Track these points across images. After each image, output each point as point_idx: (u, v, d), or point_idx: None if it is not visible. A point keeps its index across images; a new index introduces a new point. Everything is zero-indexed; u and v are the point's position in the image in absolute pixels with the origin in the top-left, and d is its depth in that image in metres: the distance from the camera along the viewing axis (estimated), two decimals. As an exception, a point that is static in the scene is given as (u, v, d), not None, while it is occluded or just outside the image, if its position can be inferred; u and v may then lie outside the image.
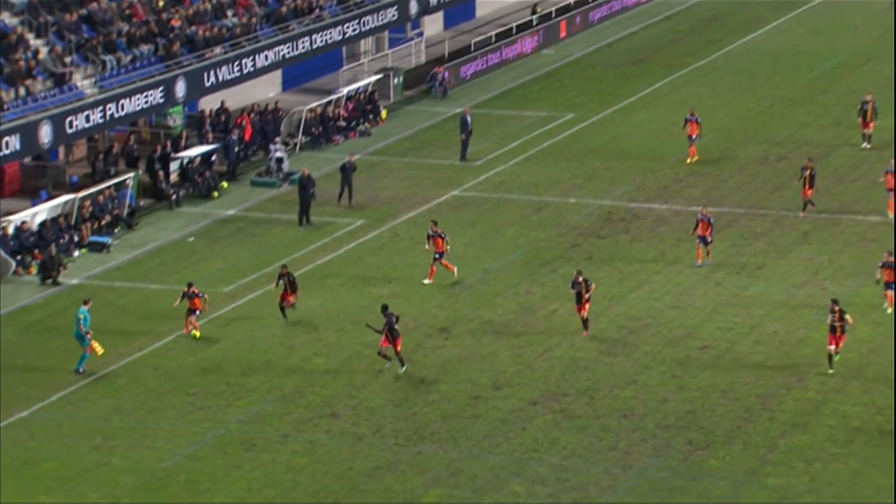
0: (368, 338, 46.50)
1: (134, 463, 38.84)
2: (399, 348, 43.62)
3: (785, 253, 53.07)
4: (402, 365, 43.69)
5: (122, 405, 42.20)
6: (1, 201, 58.09)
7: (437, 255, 50.15)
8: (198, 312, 46.50)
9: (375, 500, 36.82)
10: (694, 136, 62.25)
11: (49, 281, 51.29)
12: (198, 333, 46.35)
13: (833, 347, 43.27)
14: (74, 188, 57.49)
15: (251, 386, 43.31)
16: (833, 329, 43.33)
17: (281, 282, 47.45)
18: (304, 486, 37.57)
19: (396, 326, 43.66)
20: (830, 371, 43.13)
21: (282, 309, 47.40)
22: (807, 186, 55.73)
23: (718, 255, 52.65)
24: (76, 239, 54.37)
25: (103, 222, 55.71)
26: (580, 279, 45.86)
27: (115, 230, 55.96)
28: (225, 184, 60.80)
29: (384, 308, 44.22)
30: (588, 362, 44.68)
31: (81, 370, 43.56)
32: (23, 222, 53.43)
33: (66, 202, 55.44)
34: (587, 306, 45.97)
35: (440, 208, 58.14)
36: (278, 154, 61.85)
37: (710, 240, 51.54)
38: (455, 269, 50.35)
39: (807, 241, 54.19)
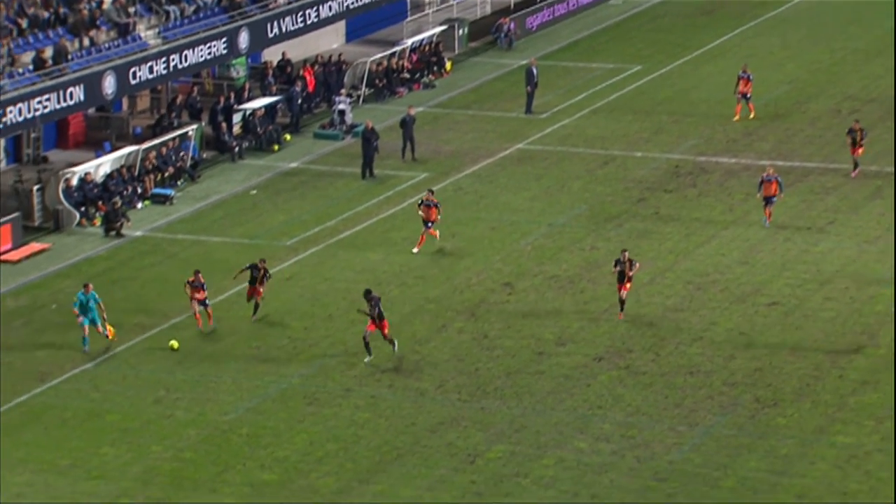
0: (432, 292, 46.65)
1: (197, 416, 39.16)
2: (386, 331, 41.94)
3: (857, 208, 52.73)
4: (394, 346, 42.25)
5: (185, 359, 42.52)
6: (65, 153, 58.57)
7: (428, 224, 49.03)
8: (208, 303, 44.15)
9: (438, 455, 36.97)
10: (745, 94, 61.06)
11: (112, 233, 51.68)
12: (208, 324, 44.36)
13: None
14: (138, 140, 57.80)
15: (313, 340, 43.53)
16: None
17: (250, 272, 44.78)
18: (366, 441, 37.78)
19: (380, 309, 41.77)
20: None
21: (250, 300, 45.04)
22: (857, 145, 54.50)
23: (788, 210, 52.38)
24: (139, 191, 54.72)
25: (166, 174, 56.07)
26: (625, 258, 44.35)
27: (178, 182, 56.28)
28: (288, 136, 61.02)
29: (367, 292, 42.23)
30: (654, 318, 44.62)
31: (86, 350, 42.83)
32: (86, 174, 53.78)
33: (129, 154, 55.79)
34: (629, 286, 44.45)
35: (504, 161, 58.11)
36: (341, 106, 61.96)
37: (775, 200, 50.86)
38: (438, 235, 49.41)
39: (879, 195, 53.82)
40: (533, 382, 40.76)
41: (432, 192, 49.79)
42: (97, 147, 58.14)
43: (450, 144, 60.23)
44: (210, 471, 36.35)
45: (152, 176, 55.53)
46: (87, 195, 53.15)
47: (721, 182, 55.65)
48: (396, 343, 42.10)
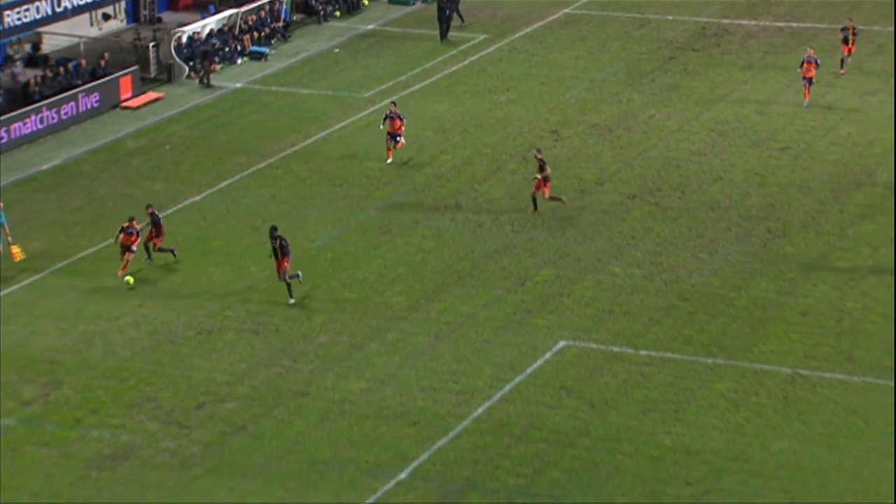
0: (489, 139, 46.48)
1: (289, 242, 39.30)
2: (285, 267, 35.90)
3: (860, 64, 51.97)
4: (290, 289, 36.04)
5: (279, 193, 42.69)
6: (176, 14, 58.42)
7: (392, 135, 43.79)
8: (133, 249, 37.57)
9: (493, 277, 37.10)
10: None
11: (204, 83, 51.63)
12: (131, 280, 37.04)
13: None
14: (238, 3, 57.47)
15: (387, 179, 43.54)
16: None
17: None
18: (431, 265, 37.92)
19: (285, 244, 35.96)
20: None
21: (146, 249, 38.32)
22: (850, 44, 50.72)
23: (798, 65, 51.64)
24: (238, 48, 54.56)
25: (262, 34, 55.81)
26: (537, 155, 40.44)
27: (272, 41, 56.04)
28: (366, 1, 60.47)
29: (272, 230, 36.24)
30: (680, 161, 44.34)
31: None
32: (194, 33, 53.64)
33: (230, 15, 55.54)
34: (549, 185, 40.20)
35: (553, 25, 57.50)
36: (413, -25, 61.37)
37: (813, 81, 48.03)
38: (403, 144, 44.10)
39: (881, 52, 53.08)
40: (575, 216, 40.71)
41: (395, 104, 44.33)
42: (203, 9, 57.92)
43: (505, 9, 59.65)
44: (300, 289, 36.63)
45: (250, 35, 55.33)
46: (195, 51, 53.03)
47: (742, 42, 54.99)
48: (293, 285, 36.08)
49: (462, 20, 57.01)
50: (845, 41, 50.66)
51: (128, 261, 37.40)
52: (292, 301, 35.91)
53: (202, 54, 52.21)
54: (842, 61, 50.75)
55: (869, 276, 37.00)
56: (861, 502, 28.08)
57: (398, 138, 43.62)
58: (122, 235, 37.42)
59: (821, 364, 32.93)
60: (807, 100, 47.97)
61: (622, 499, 28.28)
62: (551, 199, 40.25)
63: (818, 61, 48.10)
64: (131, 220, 37.60)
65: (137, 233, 37.46)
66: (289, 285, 36.06)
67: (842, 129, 46.28)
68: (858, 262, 37.78)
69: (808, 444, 29.97)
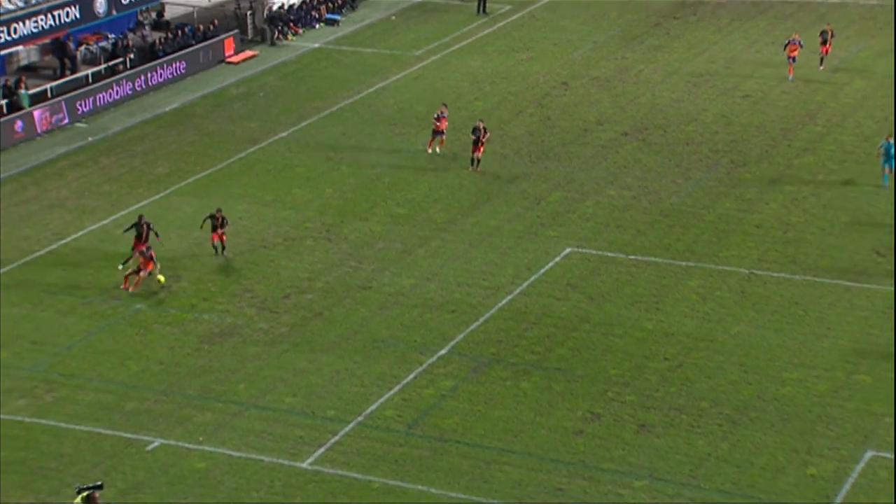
0: (512, 88, 45.95)
1: (355, 169, 39.19)
2: (224, 239, 32.78)
3: (807, 28, 50.96)
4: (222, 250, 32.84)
5: (347, 131, 42.40)
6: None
7: (436, 132, 39.32)
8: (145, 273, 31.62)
9: (515, 198, 36.83)
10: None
11: (272, 44, 50.97)
12: (162, 279, 31.77)
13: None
14: (315, -19, 56.84)
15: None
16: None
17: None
18: (466, 189, 37.64)
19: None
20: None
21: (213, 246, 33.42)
22: (828, 44, 45.64)
23: (759, 30, 50.78)
24: (317, 16, 53.95)
25: (336, 4, 55.08)
26: (481, 126, 37.98)
27: (343, 10, 55.37)
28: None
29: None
30: (663, 106, 43.74)
31: None
32: (282, 4, 53.03)
33: (310, -9, 54.95)
34: (482, 149, 37.97)
35: (565, -3, 56.64)
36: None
37: (796, 60, 44.98)
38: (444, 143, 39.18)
39: (823, 20, 51.95)
40: (580, 150, 40.30)
41: (446, 106, 40.19)
42: (289, -14, 57.32)
43: (527, -15, 58.73)
44: (363, 206, 36.50)
45: (325, 5, 54.66)
46: (282, 18, 52.53)
47: (713, 11, 53.98)
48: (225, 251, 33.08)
49: (485, 6, 54.07)
50: (824, 42, 45.92)
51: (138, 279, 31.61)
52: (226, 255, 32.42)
53: (269, 20, 51.45)
54: (821, 59, 46.03)
55: (810, 197, 36.55)
56: (799, 374, 27.97)
57: (442, 135, 39.41)
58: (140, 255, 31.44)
59: (771, 266, 32.67)
60: (791, 75, 45.15)
61: (614, 371, 28.23)
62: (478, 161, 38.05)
63: (801, 42, 45.62)
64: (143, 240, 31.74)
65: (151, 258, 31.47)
66: (223, 248, 32.58)
67: (790, 83, 45.51)
68: (801, 186, 37.31)
69: (760, 328, 29.81)
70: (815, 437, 25.75)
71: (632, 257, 33.24)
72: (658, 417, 26.46)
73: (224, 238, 33.21)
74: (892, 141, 35.96)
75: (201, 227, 33.48)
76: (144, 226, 32.10)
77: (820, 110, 42.97)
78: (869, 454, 25.11)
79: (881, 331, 29.51)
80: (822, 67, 45.81)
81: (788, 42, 45.58)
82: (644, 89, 45.41)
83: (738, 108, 43.49)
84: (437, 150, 39.43)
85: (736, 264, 32.74)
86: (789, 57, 45.29)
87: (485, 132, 38.16)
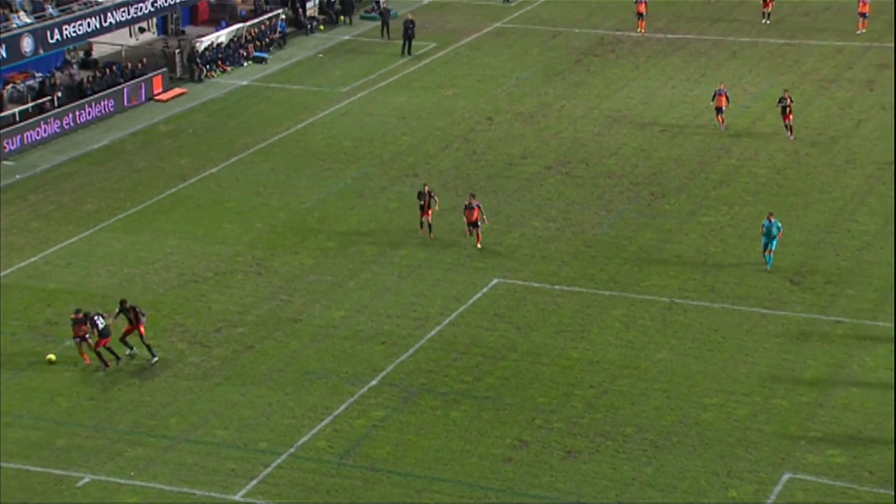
0: (438, 123, 46.16)
1: (284, 204, 39.09)
2: (142, 332, 29.83)
3: (720, 66, 52.00)
4: (138, 349, 30.08)
5: (277, 166, 42.30)
6: (195, 28, 57.54)
7: (471, 224, 35.54)
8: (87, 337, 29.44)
9: (442, 231, 36.72)
10: (641, 13, 55.51)
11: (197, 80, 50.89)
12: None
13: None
14: (244, 19, 56.72)
15: (360, 155, 43.23)
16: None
17: (122, 315, 29.83)
18: (395, 222, 37.71)
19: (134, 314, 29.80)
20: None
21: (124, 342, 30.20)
22: (789, 113, 42.79)
23: (673, 66, 51.66)
24: (245, 54, 53.85)
25: (263, 43, 55.08)
26: (425, 190, 35.90)
27: (271, 49, 55.35)
28: (343, 18, 59.75)
29: (121, 303, 29.95)
30: (585, 140, 44.25)
31: None
32: (210, 42, 52.90)
33: (238, 29, 54.75)
34: (431, 213, 35.86)
35: (487, 35, 57.04)
36: (379, -3, 60.74)
37: (724, 109, 43.76)
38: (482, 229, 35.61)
39: (735, 57, 53.03)
40: (505, 183, 40.59)
41: (474, 196, 35.79)
42: (217, 24, 57.10)
43: (450, 23, 59.11)
44: (293, 240, 36.39)
45: (253, 44, 54.61)
46: (211, 57, 52.35)
47: (631, 49, 54.77)
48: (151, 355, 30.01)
49: (410, 49, 53.50)
50: (783, 111, 42.99)
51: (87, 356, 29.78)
52: (155, 359, 29.65)
53: (197, 58, 51.02)
54: (789, 128, 43.09)
55: (727, 227, 37.15)
56: (719, 399, 28.34)
57: (478, 225, 35.28)
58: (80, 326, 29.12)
59: (690, 294, 33.10)
60: (723, 126, 43.91)
61: (542, 398, 28.37)
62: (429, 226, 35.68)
63: (728, 93, 44.40)
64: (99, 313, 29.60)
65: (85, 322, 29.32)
66: (148, 346, 29.75)
67: (706, 116, 46.21)
68: (719, 216, 37.88)
69: (681, 355, 30.16)
70: (735, 460, 26.08)
71: (557, 287, 33.49)
72: (584, 444, 26.63)
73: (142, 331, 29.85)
74: (773, 220, 33.70)
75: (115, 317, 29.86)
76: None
77: (734, 144, 43.74)
78: (786, 476, 25.50)
79: (796, 356, 30.03)
80: (792, 138, 42.69)
81: (715, 93, 44.31)
82: (566, 124, 45.93)
83: (656, 141, 44.13)
84: (477, 245, 35.30)
85: (657, 293, 33.12)
86: (716, 108, 44.06)
87: (430, 195, 35.70)
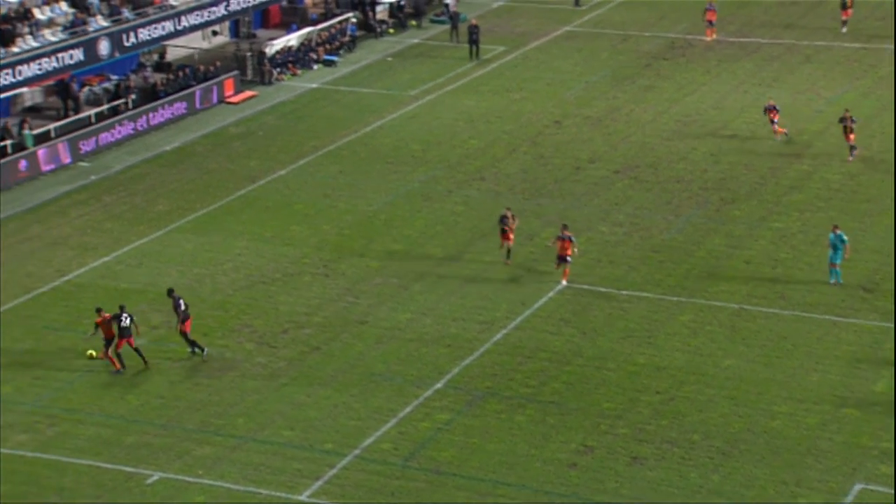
0: (506, 126, 46.12)
1: (352, 206, 39.29)
2: (188, 329, 30.13)
3: (793, 70, 51.37)
4: (193, 348, 30.09)
5: (345, 169, 42.56)
6: (267, 31, 58.14)
7: (561, 257, 33.56)
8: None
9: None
10: (711, 21, 54.29)
11: (268, 84, 51.25)
12: (93, 353, 29.70)
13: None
14: (314, 23, 57.15)
15: (427, 158, 43.33)
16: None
17: (98, 331, 29.26)
18: (461, 225, 37.77)
19: (184, 308, 30.14)
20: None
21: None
22: (851, 132, 41.51)
23: (746, 70, 51.13)
24: (315, 57, 54.25)
25: (333, 46, 55.45)
26: (508, 214, 34.67)
27: (340, 52, 55.71)
28: (413, 22, 59.97)
29: (170, 291, 30.62)
30: (654, 145, 43.95)
31: None
32: (281, 46, 53.38)
33: (308, 32, 55.19)
34: (511, 237, 34.57)
35: (557, 39, 56.90)
36: (447, 1, 60.69)
37: (777, 121, 42.83)
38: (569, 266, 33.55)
39: (809, 61, 52.35)
40: (572, 187, 40.45)
41: (566, 227, 33.89)
42: (288, 27, 57.62)
43: (520, 27, 59.05)
44: (360, 242, 36.57)
45: (323, 47, 55.01)
46: (282, 60, 52.82)
47: (702, 53, 54.32)
48: (202, 349, 30.14)
49: (478, 54, 53.26)
50: (845, 130, 41.75)
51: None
52: (206, 351, 29.79)
53: (268, 61, 51.42)
54: (850, 149, 41.90)
55: (798, 234, 36.67)
56: (788, 407, 27.96)
57: (567, 259, 33.42)
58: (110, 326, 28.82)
59: (760, 301, 32.72)
60: (778, 135, 43.31)
61: (607, 404, 28.21)
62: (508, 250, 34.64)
63: (777, 107, 43.61)
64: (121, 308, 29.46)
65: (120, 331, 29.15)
66: (193, 341, 29.95)
67: (779, 121, 45.73)
68: (790, 223, 37.43)
69: (750, 362, 29.82)
70: (805, 469, 25.71)
71: (624, 292, 33.27)
72: (650, 450, 26.41)
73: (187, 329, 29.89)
74: (838, 232, 33.14)
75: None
76: (112, 320, 28.81)
77: (807, 149, 43.17)
78: (858, 487, 25.08)
79: (868, 365, 29.53)
80: (850, 159, 41.48)
81: (766, 109, 43.62)
82: (635, 128, 45.63)
83: (726, 146, 43.68)
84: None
85: (726, 299, 32.77)
86: (772, 121, 43.51)
87: (513, 219, 34.50)
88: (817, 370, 29.40)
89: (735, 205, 38.78)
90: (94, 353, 29.76)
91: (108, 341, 29.29)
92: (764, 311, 32.18)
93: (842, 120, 42.19)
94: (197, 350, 30.15)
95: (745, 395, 28.42)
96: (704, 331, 31.26)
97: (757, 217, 37.89)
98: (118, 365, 29.45)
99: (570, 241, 33.26)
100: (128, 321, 29.34)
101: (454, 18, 56.85)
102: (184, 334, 30.11)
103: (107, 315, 29.35)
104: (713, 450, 26.37)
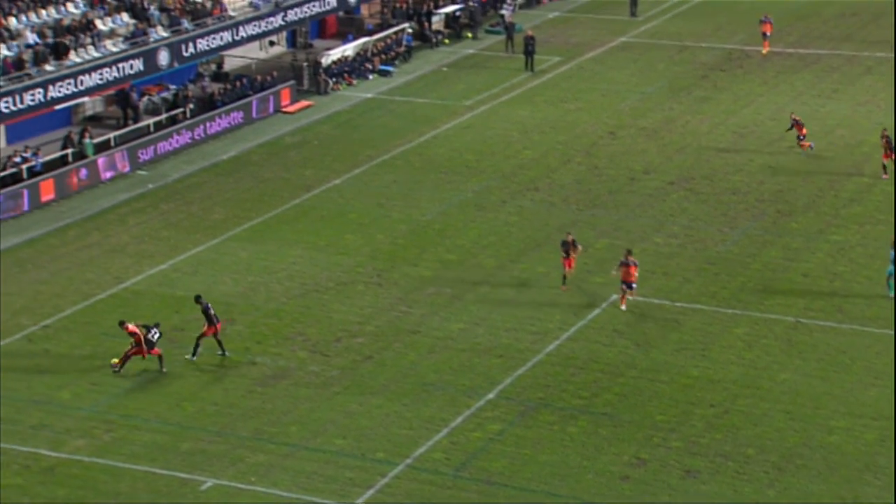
0: (560, 137, 46.03)
1: (406, 216, 39.38)
2: (218, 333, 30.46)
3: (853, 81, 50.79)
4: (223, 351, 30.59)
5: (399, 178, 42.68)
6: (323, 41, 58.54)
7: (626, 283, 32.51)
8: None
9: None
10: (765, 33, 54.37)
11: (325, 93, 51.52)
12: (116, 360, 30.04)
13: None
14: (370, 33, 57.45)
15: (481, 168, 43.34)
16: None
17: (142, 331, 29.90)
18: (515, 235, 37.73)
19: (212, 313, 30.31)
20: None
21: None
22: (891, 151, 40.76)
23: (805, 82, 50.63)
24: (370, 67, 54.50)
25: (389, 56, 55.68)
26: (570, 238, 33.71)
27: (396, 62, 55.92)
28: (469, 34, 60.01)
29: (197, 298, 30.87)
30: (710, 156, 43.63)
31: None
32: (338, 56, 53.71)
33: (364, 42, 55.47)
34: (573, 263, 33.78)
35: (612, 50, 56.74)
36: (503, 11, 60.77)
37: (804, 136, 42.51)
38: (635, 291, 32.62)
39: (870, 72, 51.76)
40: (627, 198, 40.27)
41: (630, 252, 32.90)
42: (344, 37, 57.96)
43: (575, 38, 58.94)
44: (413, 251, 36.65)
45: (379, 57, 55.26)
46: (338, 70, 53.13)
47: (760, 64, 53.91)
48: (226, 351, 30.69)
49: (532, 66, 53.14)
50: (888, 148, 40.98)
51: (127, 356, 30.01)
52: (192, 358, 30.07)
53: (324, 71, 51.67)
54: (884, 167, 41.27)
55: (857, 247, 36.21)
56: (846, 422, 27.57)
57: (632, 286, 32.53)
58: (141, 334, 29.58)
59: (817, 314, 32.34)
60: (805, 149, 42.78)
61: (660, 416, 28.01)
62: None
63: (801, 121, 42.82)
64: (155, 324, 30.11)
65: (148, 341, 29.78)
66: (220, 342, 30.39)
67: (837, 133, 45.28)
68: (848, 235, 36.98)
69: (806, 376, 29.47)
70: (862, 485, 25.34)
71: (678, 304, 33.04)
72: (704, 463, 26.18)
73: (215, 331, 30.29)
74: None
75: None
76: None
77: (866, 162, 42.64)
78: (917, 503, 24.70)
79: (928, 380, 29.08)
80: (885, 177, 40.77)
81: (792, 124, 43.01)
82: (691, 139, 45.35)
83: (784, 158, 43.27)
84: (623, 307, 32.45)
85: (782, 312, 32.44)
86: (799, 136, 42.79)
87: (574, 245, 33.57)
88: (876, 385, 28.98)
89: (792, 217, 38.39)
90: (116, 361, 30.02)
91: (136, 346, 29.70)
92: (821, 324, 31.79)
93: (884, 138, 41.11)
94: (191, 356, 30.20)
95: (802, 409, 28.09)
96: (760, 344, 30.95)
97: (815, 229, 37.48)
98: (120, 366, 29.63)
99: (635, 265, 32.25)
100: (156, 336, 29.84)
101: (509, 29, 56.90)
102: (214, 336, 30.30)
103: (133, 328, 29.69)
104: (768, 464, 26.08)
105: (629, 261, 32.33)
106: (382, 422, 28.02)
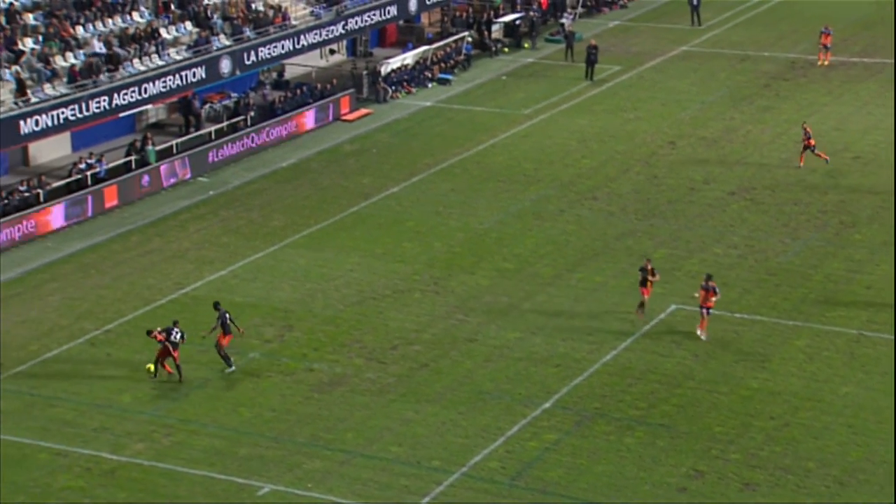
0: (619, 147, 45.82)
1: (463, 224, 39.40)
2: (225, 343, 30.46)
3: (918, 92, 50.10)
4: (228, 363, 30.47)
5: (456, 186, 42.71)
6: (383, 50, 58.75)
7: (704, 308, 31.48)
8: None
9: (620, 255, 36.61)
10: (825, 45, 53.57)
11: (384, 101, 51.70)
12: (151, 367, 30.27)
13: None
14: (430, 42, 57.59)
15: (539, 177, 43.26)
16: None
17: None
18: (573, 245, 37.60)
19: (229, 322, 30.38)
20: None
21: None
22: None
23: (871, 92, 49.94)
24: (430, 75, 54.61)
25: (448, 65, 55.76)
26: (648, 266, 32.44)
27: (455, 70, 55.99)
28: (527, 44, 59.91)
29: (216, 305, 30.93)
30: (771, 166, 43.19)
31: None
32: (397, 64, 53.89)
33: (424, 51, 55.62)
34: (650, 289, 32.48)
35: (673, 59, 56.39)
36: (564, 20, 60.65)
37: (815, 147, 41.80)
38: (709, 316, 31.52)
39: (934, 83, 51.03)
40: (686, 208, 39.97)
41: (710, 277, 31.62)
42: (404, 46, 58.15)
43: (636, 47, 58.67)
44: (470, 260, 36.65)
45: (438, 66, 55.36)
46: (397, 78, 53.31)
47: (824, 73, 53.28)
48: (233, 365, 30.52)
49: (593, 75, 53.05)
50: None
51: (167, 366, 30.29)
52: (231, 369, 30.27)
53: (384, 80, 51.80)
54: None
55: (921, 259, 35.65)
56: (910, 438, 27.13)
57: (710, 311, 31.39)
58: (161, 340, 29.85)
59: (880, 327, 31.85)
60: (822, 159, 41.93)
61: (719, 428, 27.74)
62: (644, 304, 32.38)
63: (810, 132, 41.97)
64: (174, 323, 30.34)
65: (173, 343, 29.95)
66: (226, 356, 30.36)
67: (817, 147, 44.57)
68: (913, 248, 36.46)
69: (869, 390, 29.03)
70: (926, 501, 24.92)
71: (738, 315, 32.72)
72: (763, 477, 25.88)
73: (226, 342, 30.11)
74: None
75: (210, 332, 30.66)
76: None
77: (932, 172, 42.01)
78: (982, 521, 24.21)
79: None
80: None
81: (804, 137, 42.06)
82: (752, 149, 44.92)
83: (847, 168, 42.72)
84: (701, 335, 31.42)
85: (844, 325, 32.00)
86: (807, 146, 42.01)
87: (653, 273, 32.33)
88: (940, 400, 28.49)
89: (855, 228, 37.88)
90: (151, 367, 30.23)
91: (162, 347, 30.03)
92: (885, 337, 31.31)
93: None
94: (228, 368, 30.33)
95: (864, 423, 27.67)
96: (821, 356, 30.54)
97: (878, 241, 36.94)
98: (155, 373, 29.89)
99: (714, 291, 31.09)
100: (178, 336, 30.04)
101: (569, 38, 56.78)
102: (219, 347, 30.29)
103: (159, 336, 29.90)
104: (830, 478, 25.72)
105: (709, 286, 31.17)
106: (438, 430, 28.03)
